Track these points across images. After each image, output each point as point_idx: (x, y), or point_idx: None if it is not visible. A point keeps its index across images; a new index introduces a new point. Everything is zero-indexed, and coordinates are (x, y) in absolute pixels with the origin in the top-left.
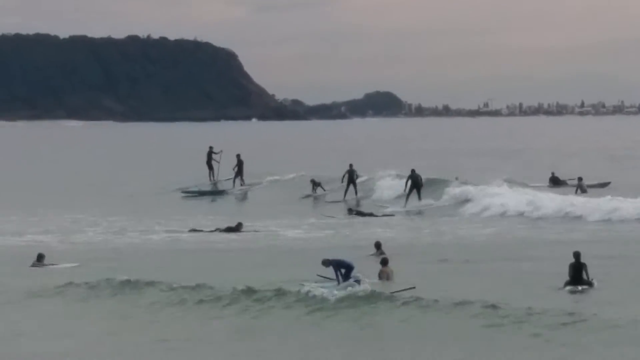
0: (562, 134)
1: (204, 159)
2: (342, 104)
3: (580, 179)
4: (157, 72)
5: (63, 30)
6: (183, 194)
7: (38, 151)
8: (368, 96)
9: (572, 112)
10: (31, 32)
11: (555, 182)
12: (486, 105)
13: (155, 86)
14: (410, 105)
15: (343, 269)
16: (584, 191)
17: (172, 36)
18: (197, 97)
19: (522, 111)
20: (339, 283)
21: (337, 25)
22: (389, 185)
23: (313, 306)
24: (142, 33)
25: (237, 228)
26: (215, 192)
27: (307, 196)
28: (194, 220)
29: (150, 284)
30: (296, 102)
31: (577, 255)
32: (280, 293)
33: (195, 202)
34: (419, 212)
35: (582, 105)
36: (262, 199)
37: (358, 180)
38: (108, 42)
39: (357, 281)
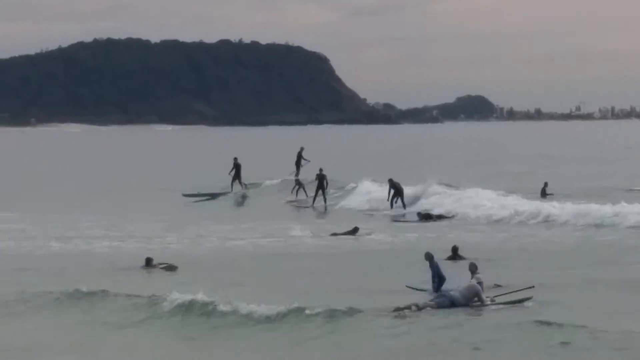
0: None
1: (294, 158)
2: (433, 107)
3: (545, 184)
4: (249, 76)
5: (155, 35)
6: (185, 197)
7: (127, 155)
8: (460, 100)
9: None
10: (123, 36)
11: None
12: (578, 108)
13: (247, 90)
14: (501, 108)
15: (437, 278)
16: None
17: (263, 40)
18: (289, 101)
19: (615, 114)
20: (434, 290)
21: (429, 28)
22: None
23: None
24: (233, 37)
25: (353, 232)
26: (215, 195)
27: (291, 201)
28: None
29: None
30: (388, 106)
31: None
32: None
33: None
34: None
35: None
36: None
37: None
38: (200, 47)
39: (450, 297)
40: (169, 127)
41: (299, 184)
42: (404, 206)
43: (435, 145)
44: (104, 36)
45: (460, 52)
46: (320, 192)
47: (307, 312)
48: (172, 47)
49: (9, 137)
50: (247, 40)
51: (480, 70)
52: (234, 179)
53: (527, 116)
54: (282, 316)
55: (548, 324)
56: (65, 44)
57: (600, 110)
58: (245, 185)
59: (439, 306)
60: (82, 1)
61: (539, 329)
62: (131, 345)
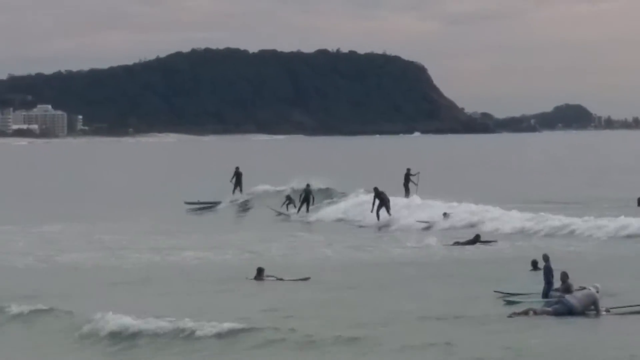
0: None
1: (395, 173)
2: (531, 117)
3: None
4: (346, 85)
5: (253, 45)
6: (187, 205)
7: (223, 165)
8: (557, 109)
9: None
10: (221, 46)
11: None
12: None
13: (344, 100)
14: (599, 117)
15: (547, 282)
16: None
17: (361, 50)
18: (386, 110)
19: None
20: (543, 295)
21: (527, 38)
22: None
23: None
24: (331, 47)
25: (475, 240)
26: (213, 203)
27: (280, 214)
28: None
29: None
30: (486, 115)
31: None
32: None
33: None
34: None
35: None
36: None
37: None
38: (298, 56)
39: (568, 304)
40: (268, 137)
41: (289, 199)
42: (389, 214)
43: (539, 155)
44: (202, 46)
45: (559, 61)
46: (305, 205)
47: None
48: (270, 57)
49: (106, 147)
50: (344, 49)
51: (578, 79)
52: (235, 187)
53: (625, 125)
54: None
55: None
56: (163, 54)
57: None
58: (241, 192)
59: (556, 313)
60: (180, 11)
61: None
62: None
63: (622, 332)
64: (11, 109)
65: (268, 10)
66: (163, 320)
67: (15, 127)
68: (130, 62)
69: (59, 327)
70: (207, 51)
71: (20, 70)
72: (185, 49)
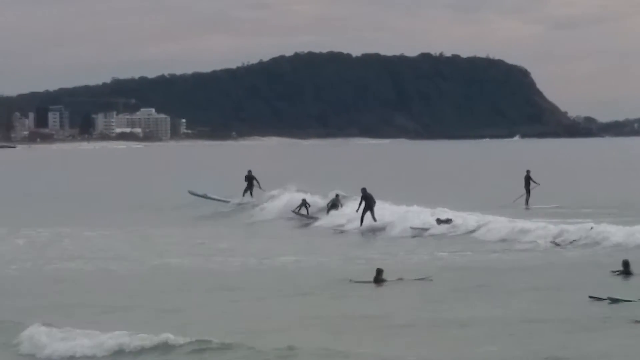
0: None
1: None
2: (634, 120)
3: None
4: (450, 89)
5: (356, 48)
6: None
7: (325, 167)
8: None
9: None
10: (324, 50)
11: None
12: None
13: (448, 104)
14: None
15: None
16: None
17: (464, 53)
18: (489, 114)
19: None
20: None
21: (632, 41)
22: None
23: None
24: (434, 50)
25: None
26: (221, 200)
27: (299, 214)
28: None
29: None
30: (589, 119)
31: None
32: None
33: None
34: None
35: None
36: None
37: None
38: (400, 60)
39: None
40: (369, 141)
41: (305, 203)
42: (374, 219)
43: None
44: (305, 50)
45: None
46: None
47: None
48: (373, 61)
49: (209, 150)
50: (448, 53)
51: None
52: (246, 190)
53: None
54: None
55: None
56: (266, 57)
57: None
58: (251, 195)
59: None
60: (285, 15)
61: None
62: None
63: None
64: (115, 112)
65: (372, 14)
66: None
67: (118, 130)
68: (233, 66)
69: None
70: (310, 55)
71: (124, 74)
72: (289, 52)
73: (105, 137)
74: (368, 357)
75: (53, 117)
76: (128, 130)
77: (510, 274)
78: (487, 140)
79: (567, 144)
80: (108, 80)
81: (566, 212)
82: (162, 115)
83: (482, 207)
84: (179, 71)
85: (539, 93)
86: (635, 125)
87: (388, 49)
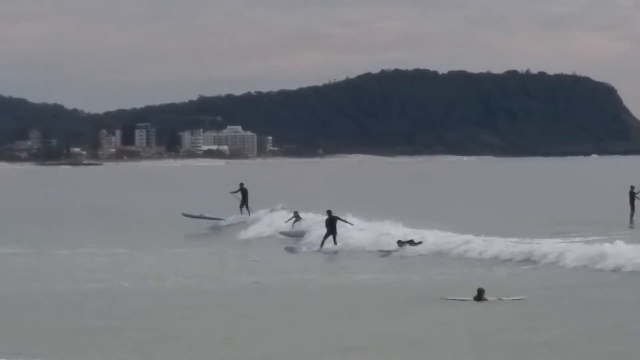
0: None
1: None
2: None
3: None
4: (535, 106)
5: (442, 66)
6: (185, 216)
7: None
8: None
9: None
10: (410, 67)
11: None
12: None
13: (534, 121)
14: None
15: None
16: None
17: (550, 71)
18: (575, 131)
19: None
20: None
21: None
22: None
23: None
24: (520, 68)
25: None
26: (215, 219)
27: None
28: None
29: None
30: None
31: None
32: None
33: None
34: None
35: None
36: None
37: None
38: (487, 77)
39: None
40: (455, 158)
41: (297, 216)
42: (335, 243)
43: None
44: (392, 67)
45: None
46: (330, 236)
47: None
48: (459, 78)
49: (293, 167)
50: (534, 70)
51: None
52: (241, 205)
53: None
54: None
55: None
56: (352, 75)
57: None
58: (248, 210)
59: None
60: (370, 32)
61: None
62: None
63: None
64: (201, 129)
65: (458, 31)
66: None
67: (205, 147)
68: (319, 83)
69: None
70: (397, 72)
71: (211, 92)
72: (375, 70)
73: (191, 154)
74: None
75: (140, 135)
76: (214, 147)
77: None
78: (570, 157)
79: None
80: (195, 97)
81: None
82: (249, 133)
83: (604, 228)
84: (265, 89)
85: (625, 110)
86: None
87: (474, 66)
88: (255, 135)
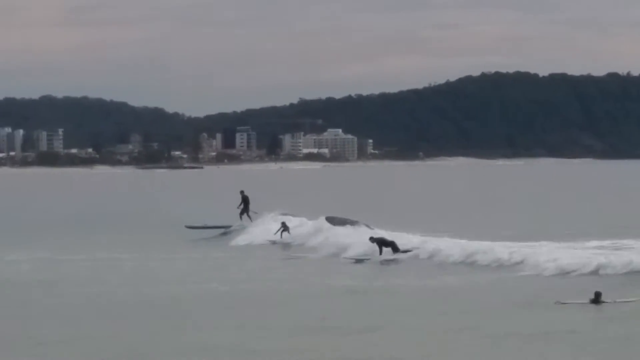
0: None
1: None
2: None
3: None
4: (637, 109)
5: (542, 68)
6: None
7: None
8: None
9: None
10: (511, 70)
11: None
12: None
13: (635, 123)
14: None
15: None
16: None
17: None
18: None
19: None
20: None
21: None
22: None
23: None
24: (621, 70)
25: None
26: (221, 227)
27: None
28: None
29: None
30: None
31: None
32: None
33: None
34: None
35: None
36: None
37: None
38: (588, 80)
39: None
40: (555, 160)
41: (284, 226)
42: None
43: None
44: (492, 70)
45: None
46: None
47: None
48: (559, 81)
49: (397, 170)
50: (635, 72)
51: None
52: (242, 212)
53: None
54: None
55: None
56: (453, 78)
57: None
58: (249, 217)
59: None
60: (472, 35)
61: None
62: None
63: None
64: (302, 133)
65: (558, 34)
66: None
67: (305, 151)
68: (420, 86)
69: None
70: (497, 75)
71: (311, 95)
72: (475, 72)
73: (292, 157)
74: None
75: (240, 138)
76: (315, 150)
77: None
78: None
79: None
80: (295, 100)
81: None
82: (349, 136)
83: None
84: (365, 92)
85: None
86: None
87: (575, 69)
88: (355, 138)
